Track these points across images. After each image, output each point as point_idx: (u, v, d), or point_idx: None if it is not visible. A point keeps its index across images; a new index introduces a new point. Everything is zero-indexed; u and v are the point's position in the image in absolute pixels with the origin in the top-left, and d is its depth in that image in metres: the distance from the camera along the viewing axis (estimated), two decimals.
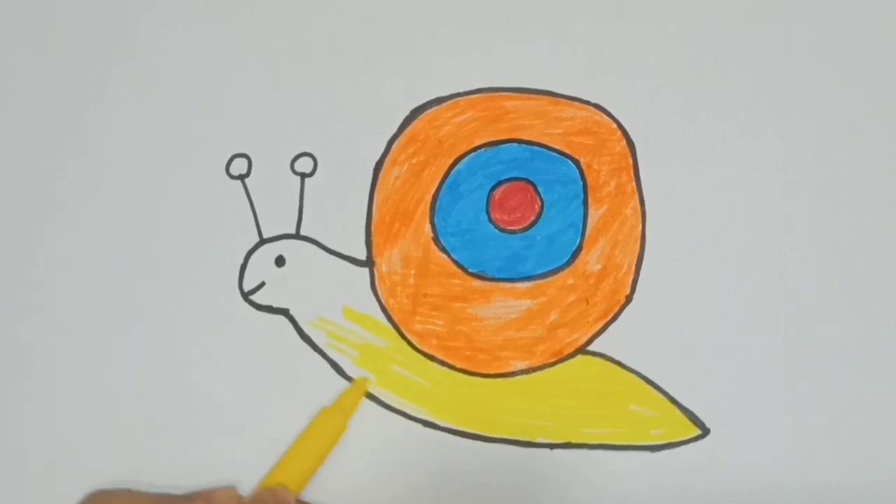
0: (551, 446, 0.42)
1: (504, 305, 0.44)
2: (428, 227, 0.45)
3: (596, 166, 0.45)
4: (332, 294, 0.44)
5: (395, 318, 0.44)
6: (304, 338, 0.44)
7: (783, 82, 0.46)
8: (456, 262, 0.44)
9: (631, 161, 0.45)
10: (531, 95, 0.46)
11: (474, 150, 0.45)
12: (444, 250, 0.44)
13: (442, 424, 0.43)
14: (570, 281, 0.44)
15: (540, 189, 0.45)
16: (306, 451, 0.42)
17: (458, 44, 0.47)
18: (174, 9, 0.48)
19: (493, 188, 0.45)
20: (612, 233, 0.44)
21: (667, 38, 0.46)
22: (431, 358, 0.43)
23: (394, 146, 0.46)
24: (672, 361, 0.43)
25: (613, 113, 0.45)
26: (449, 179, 0.45)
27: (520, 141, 0.45)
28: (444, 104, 0.46)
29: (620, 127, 0.45)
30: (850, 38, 0.46)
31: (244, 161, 0.46)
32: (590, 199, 0.45)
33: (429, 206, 0.45)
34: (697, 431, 0.42)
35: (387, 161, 0.45)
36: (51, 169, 0.47)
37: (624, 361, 0.43)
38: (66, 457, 0.43)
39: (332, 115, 0.46)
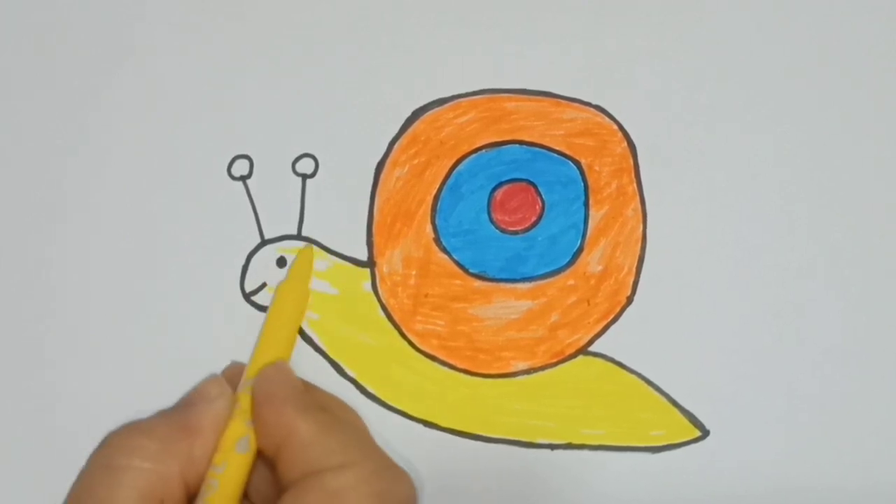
0: (552, 447, 0.42)
1: (505, 306, 0.44)
2: (429, 227, 0.45)
3: (597, 167, 0.45)
4: (333, 294, 0.44)
5: (396, 319, 0.44)
6: (305, 338, 0.44)
7: (784, 84, 0.46)
8: (457, 263, 0.44)
9: (632, 162, 0.45)
10: (532, 97, 0.46)
11: (476, 150, 0.45)
12: (445, 251, 0.44)
13: (442, 424, 0.43)
14: (571, 282, 0.44)
15: (541, 190, 0.45)
16: (281, 327, 0.42)
17: (459, 45, 0.47)
18: (175, 9, 0.48)
19: (495, 189, 0.45)
20: (613, 234, 0.44)
21: (668, 40, 0.46)
22: (432, 358, 0.43)
23: (395, 147, 0.46)
24: (673, 363, 0.43)
25: (614, 114, 0.46)
26: (450, 180, 0.45)
27: (521, 142, 0.45)
28: (445, 105, 0.46)
29: (621, 128, 0.45)
30: (853, 39, 0.46)
31: (246, 162, 0.46)
32: (591, 201, 0.45)
33: (430, 206, 0.45)
34: (697, 433, 0.42)
35: (388, 162, 0.46)
36: (51, 170, 0.47)
37: (625, 362, 0.43)
38: (67, 456, 0.43)
39: (333, 117, 0.46)
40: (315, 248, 0.45)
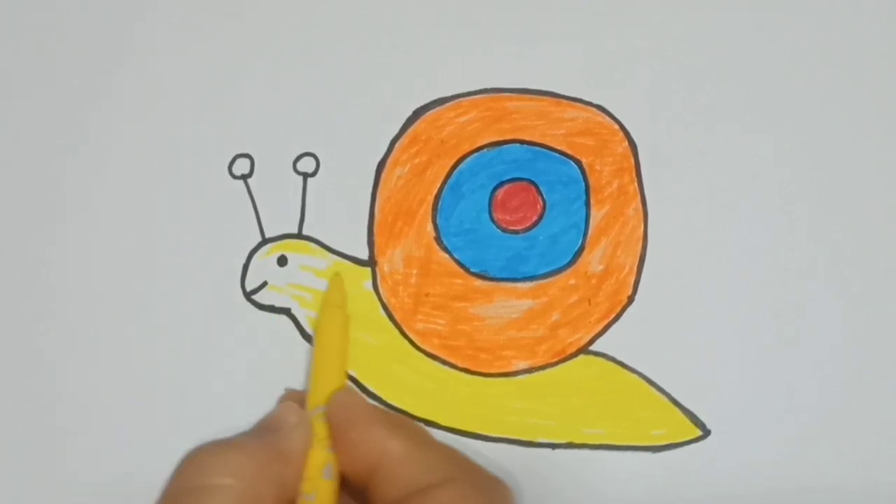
0: (553, 446, 0.42)
1: (506, 305, 0.44)
2: (430, 226, 0.45)
3: (598, 167, 0.45)
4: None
5: (397, 318, 0.44)
6: (306, 337, 0.44)
7: (784, 84, 0.46)
8: (458, 262, 0.44)
9: (633, 162, 0.45)
10: (533, 96, 0.46)
11: (477, 150, 0.45)
12: (446, 250, 0.44)
13: (443, 423, 0.43)
14: (572, 281, 0.44)
15: (542, 189, 0.45)
16: (332, 354, 0.42)
17: (460, 44, 0.47)
18: (175, 9, 0.48)
19: (496, 188, 0.45)
20: (614, 233, 0.44)
21: (669, 40, 0.46)
22: (433, 357, 0.43)
23: (396, 146, 0.46)
24: (673, 362, 0.43)
25: (615, 114, 0.46)
26: (451, 179, 0.45)
27: (522, 141, 0.45)
28: (446, 104, 0.46)
29: (622, 128, 0.45)
30: (853, 39, 0.46)
31: (247, 161, 0.46)
32: (592, 200, 0.45)
33: (431, 205, 0.45)
34: (698, 432, 0.42)
35: (389, 161, 0.46)
36: (51, 170, 0.47)
37: (626, 362, 0.43)
38: (66, 456, 0.43)
39: (334, 116, 0.46)
40: (313, 245, 0.45)
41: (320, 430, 0.39)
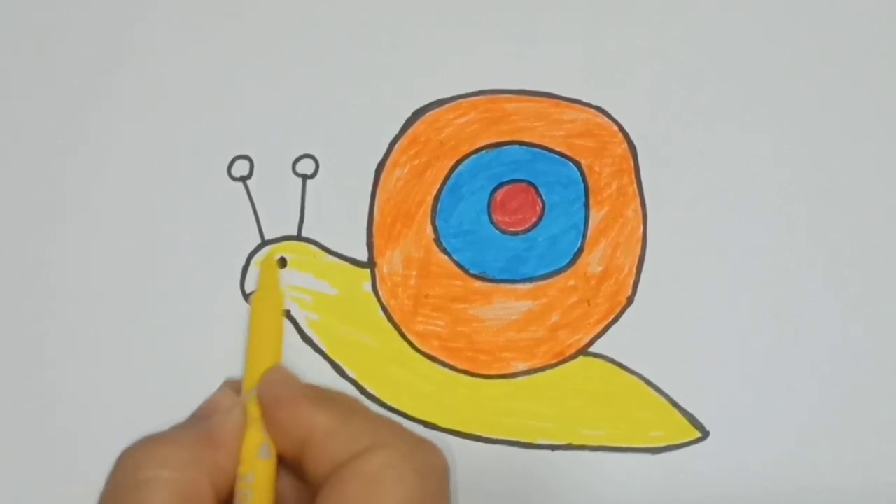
0: (552, 448, 0.42)
1: (505, 307, 0.44)
2: (429, 228, 0.45)
3: (597, 168, 0.45)
4: (333, 295, 0.44)
5: (397, 319, 0.44)
6: (305, 339, 0.44)
7: (784, 84, 0.46)
8: (457, 264, 0.44)
9: (632, 163, 0.45)
10: (533, 97, 0.46)
11: (476, 151, 0.45)
12: (445, 251, 0.44)
13: (442, 425, 0.43)
14: (572, 282, 0.44)
15: (541, 191, 0.45)
16: (267, 334, 0.43)
17: (459, 45, 0.47)
18: (175, 9, 0.48)
19: (495, 190, 0.45)
20: (614, 234, 0.44)
21: (668, 40, 0.46)
22: (432, 359, 0.43)
23: (395, 148, 0.46)
24: (673, 363, 0.43)
25: (615, 115, 0.46)
26: (450, 181, 0.45)
27: (521, 143, 0.45)
28: (445, 106, 0.46)
29: (622, 129, 0.45)
30: (853, 39, 0.46)
31: (246, 163, 0.46)
32: (591, 201, 0.45)
33: (430, 207, 0.45)
34: (697, 434, 0.42)
35: (388, 163, 0.45)
36: (51, 170, 0.47)
37: (625, 363, 0.43)
38: (66, 457, 0.43)
39: (333, 117, 0.46)
40: (312, 247, 0.45)
41: (254, 411, 0.39)
